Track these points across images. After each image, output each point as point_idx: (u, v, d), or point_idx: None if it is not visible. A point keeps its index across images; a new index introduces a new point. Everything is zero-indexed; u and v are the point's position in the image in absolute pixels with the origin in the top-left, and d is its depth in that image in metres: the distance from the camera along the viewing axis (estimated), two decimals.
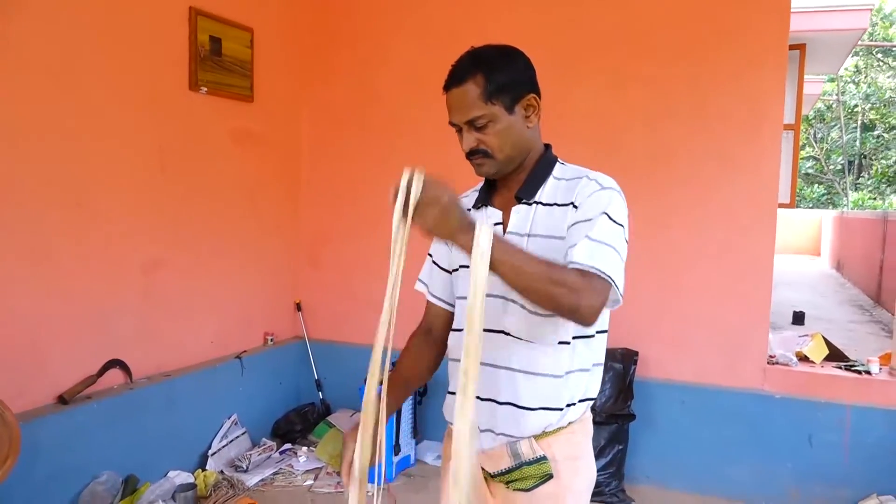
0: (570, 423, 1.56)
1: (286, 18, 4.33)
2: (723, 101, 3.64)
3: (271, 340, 4.35)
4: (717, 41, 3.63)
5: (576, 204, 1.49)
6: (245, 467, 3.74)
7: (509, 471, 1.56)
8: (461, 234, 1.25)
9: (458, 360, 1.59)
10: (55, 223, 2.98)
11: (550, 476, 1.51)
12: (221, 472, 3.68)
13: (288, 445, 4.12)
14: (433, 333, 1.76)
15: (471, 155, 1.54)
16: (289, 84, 4.41)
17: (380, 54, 4.37)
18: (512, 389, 1.54)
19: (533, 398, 1.53)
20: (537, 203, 1.55)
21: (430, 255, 1.80)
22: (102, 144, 3.17)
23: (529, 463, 1.52)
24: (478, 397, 1.60)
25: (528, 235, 1.53)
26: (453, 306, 1.72)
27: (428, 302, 1.78)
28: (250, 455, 3.83)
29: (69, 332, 3.07)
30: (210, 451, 3.72)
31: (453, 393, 1.64)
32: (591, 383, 1.61)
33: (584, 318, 1.33)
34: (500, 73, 1.49)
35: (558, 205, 1.52)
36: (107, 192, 3.21)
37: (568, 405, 1.55)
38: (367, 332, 4.40)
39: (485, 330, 1.50)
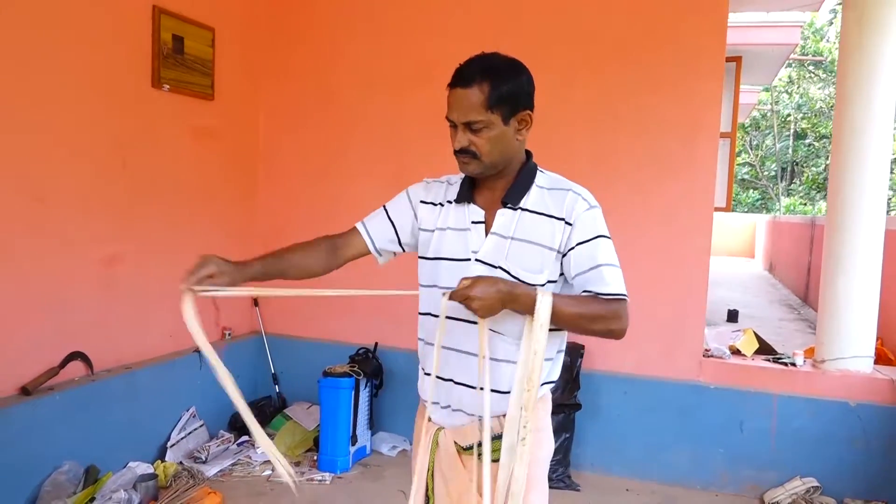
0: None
1: (246, 18, 4.41)
2: (663, 109, 3.87)
3: (229, 335, 4.42)
4: (659, 51, 3.86)
5: (569, 221, 1.66)
6: (204, 458, 3.81)
7: (480, 444, 1.72)
8: (510, 304, 1.57)
9: (431, 344, 1.76)
10: (16, 217, 3.02)
11: None
12: (181, 463, 3.74)
13: (245, 438, 4.20)
14: (338, 252, 1.85)
15: (460, 153, 1.67)
16: (247, 83, 4.49)
17: (334, 54, 4.49)
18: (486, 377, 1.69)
19: (503, 383, 1.69)
20: (522, 209, 1.70)
21: (386, 210, 1.88)
22: (65, 139, 3.22)
23: (498, 437, 1.68)
24: (452, 381, 1.75)
25: (512, 238, 1.69)
26: (380, 254, 1.88)
27: (355, 230, 1.88)
28: (209, 447, 3.89)
29: (31, 325, 3.10)
30: (169, 443, 3.78)
31: (428, 374, 1.79)
32: (554, 369, 1.79)
33: (617, 337, 1.68)
34: (505, 84, 1.61)
35: (545, 215, 1.68)
36: (68, 187, 3.26)
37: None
38: (322, 328, 4.54)
39: (459, 320, 1.68)
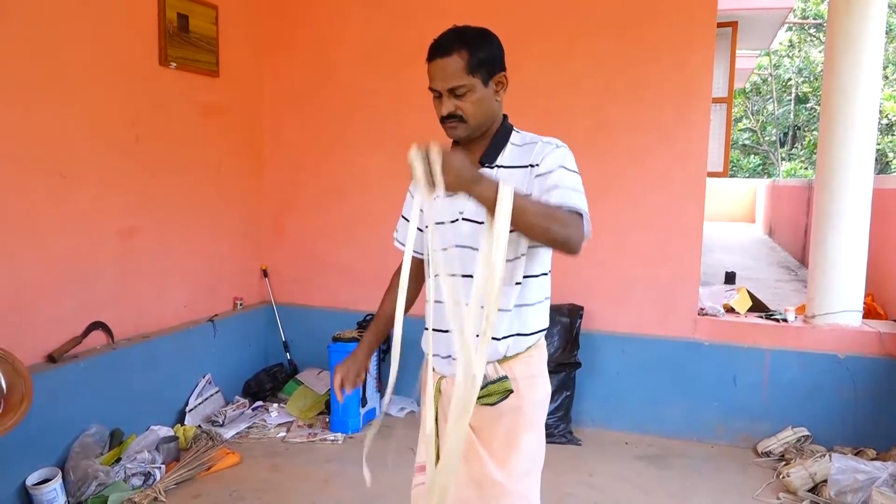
0: (527, 347, 1.88)
1: None
2: (657, 77, 3.98)
3: (240, 305, 4.58)
4: (653, 20, 3.96)
5: (534, 164, 1.78)
6: (221, 422, 3.99)
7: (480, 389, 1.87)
8: (475, 185, 1.54)
9: (436, 302, 1.90)
10: (41, 193, 3.17)
11: (511, 391, 1.83)
12: (199, 426, 3.92)
13: (259, 403, 4.38)
14: (412, 278, 1.98)
15: (447, 119, 1.80)
16: (251, 59, 4.59)
17: (336, 31, 4.59)
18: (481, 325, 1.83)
19: (497, 330, 1.83)
20: (498, 166, 1.84)
21: (405, 219, 2.08)
22: (83, 118, 3.35)
23: (493, 382, 1.82)
24: (450, 331, 1.89)
25: None
26: (420, 254, 2.01)
27: (399, 251, 2.02)
28: (225, 411, 4.07)
29: (55, 296, 3.26)
30: (187, 408, 3.96)
31: (427, 328, 1.94)
32: (542, 316, 1.93)
33: (573, 247, 1.63)
34: (481, 50, 1.76)
35: (518, 167, 1.81)
36: (88, 163, 3.40)
37: (523, 334, 1.86)
38: (330, 296, 4.70)
39: (456, 275, 1.80)
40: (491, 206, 1.56)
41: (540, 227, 1.60)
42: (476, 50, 1.75)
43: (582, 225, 1.68)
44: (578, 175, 1.80)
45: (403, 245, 2.02)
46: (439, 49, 1.77)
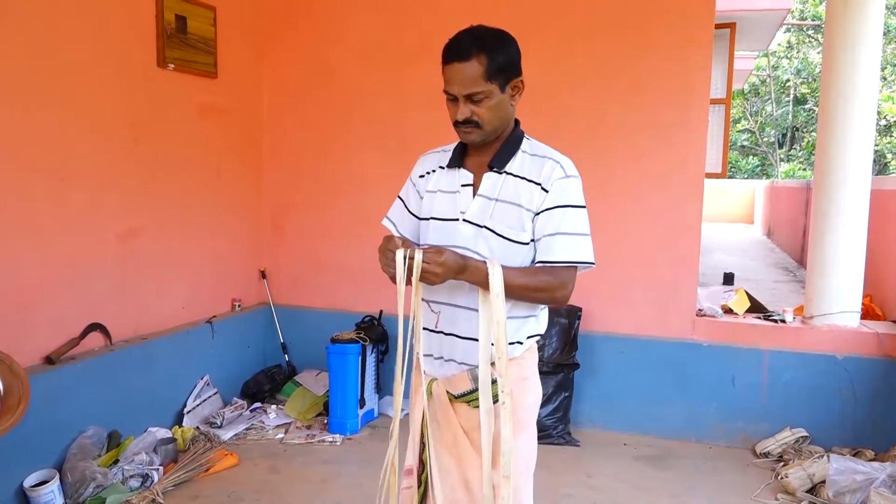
0: (521, 353, 1.87)
1: None
2: (656, 78, 3.98)
3: (238, 306, 4.57)
4: (652, 21, 3.96)
5: (545, 187, 1.78)
6: (219, 423, 3.98)
7: (471, 392, 1.85)
8: (462, 274, 1.69)
9: (430, 301, 1.89)
10: (40, 197, 3.17)
11: None
12: (197, 428, 3.91)
13: (258, 404, 4.37)
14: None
15: (462, 124, 1.77)
16: (249, 60, 4.59)
17: (335, 29, 4.59)
18: (473, 327, 1.81)
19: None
20: (507, 173, 1.82)
21: (401, 199, 2.03)
22: (82, 120, 3.35)
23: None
24: (442, 332, 1.88)
25: (496, 200, 1.81)
26: (417, 243, 1.99)
27: (385, 228, 2.04)
28: (223, 412, 4.07)
29: (53, 298, 3.25)
30: (185, 410, 3.96)
31: (424, 328, 1.93)
32: (539, 323, 1.92)
33: (560, 304, 1.83)
34: (500, 55, 1.72)
35: (525, 179, 1.80)
36: (87, 166, 3.40)
37: (519, 342, 1.86)
38: (328, 297, 4.69)
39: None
40: (482, 286, 1.71)
41: (524, 297, 1.78)
42: (495, 55, 1.71)
43: (569, 278, 1.79)
44: (584, 208, 1.81)
45: (395, 227, 2.02)
46: (457, 52, 1.72)
